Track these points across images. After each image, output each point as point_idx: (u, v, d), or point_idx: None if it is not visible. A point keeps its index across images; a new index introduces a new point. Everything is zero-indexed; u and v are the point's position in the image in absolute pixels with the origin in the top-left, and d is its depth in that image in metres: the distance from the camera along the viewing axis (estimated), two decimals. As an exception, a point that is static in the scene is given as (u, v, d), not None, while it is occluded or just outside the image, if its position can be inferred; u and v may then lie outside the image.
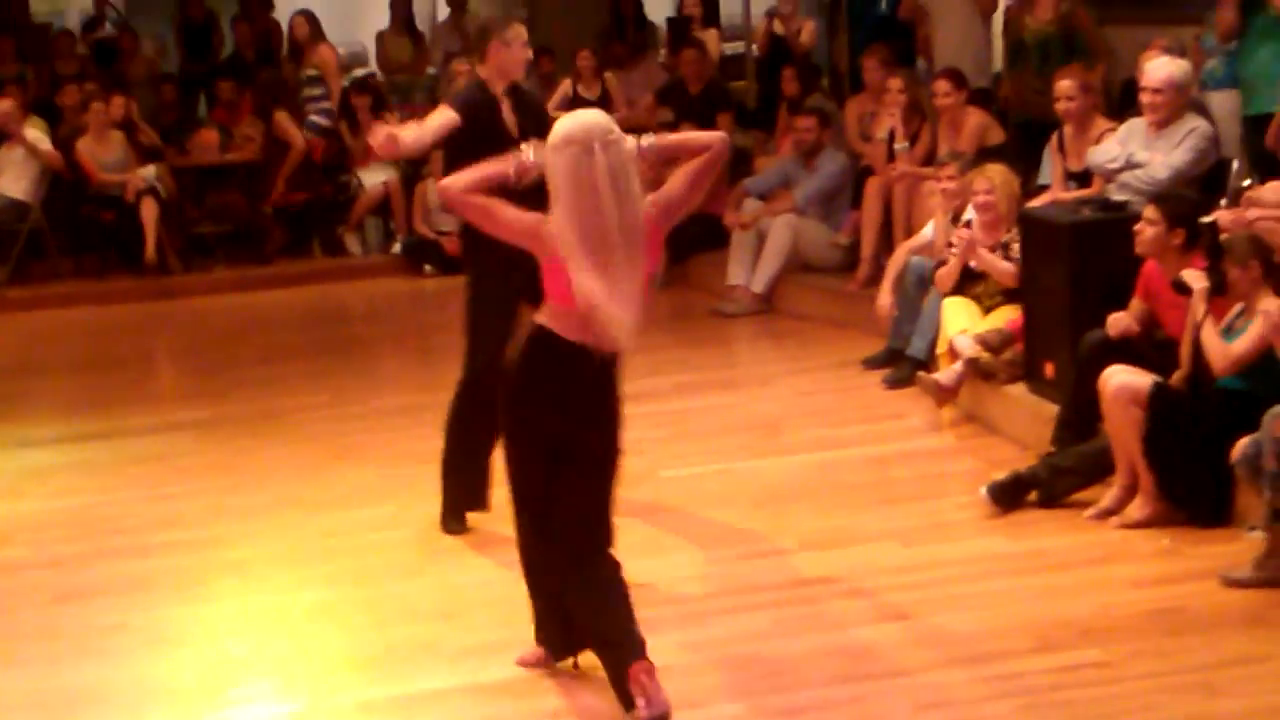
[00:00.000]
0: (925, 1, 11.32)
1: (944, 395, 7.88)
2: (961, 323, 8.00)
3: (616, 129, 4.68)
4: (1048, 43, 9.88)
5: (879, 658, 5.23)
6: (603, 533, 4.92)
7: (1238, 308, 6.08)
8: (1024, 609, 5.56)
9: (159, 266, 13.06)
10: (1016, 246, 7.77)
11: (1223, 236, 6.33)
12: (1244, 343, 5.96)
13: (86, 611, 6.14)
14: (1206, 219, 6.55)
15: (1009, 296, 7.91)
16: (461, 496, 6.58)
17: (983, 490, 6.56)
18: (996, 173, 8.02)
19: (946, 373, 7.95)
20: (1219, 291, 6.08)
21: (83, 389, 10.18)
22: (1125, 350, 6.45)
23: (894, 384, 8.54)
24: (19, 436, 8.83)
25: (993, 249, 7.96)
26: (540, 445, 4.83)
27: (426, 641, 5.62)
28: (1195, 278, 6.17)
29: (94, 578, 6.52)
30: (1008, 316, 7.86)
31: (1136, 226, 6.54)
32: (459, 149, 5.98)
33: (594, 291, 4.58)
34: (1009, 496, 6.51)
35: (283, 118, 13.60)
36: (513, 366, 4.82)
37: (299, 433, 8.50)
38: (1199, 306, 6.11)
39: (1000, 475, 6.63)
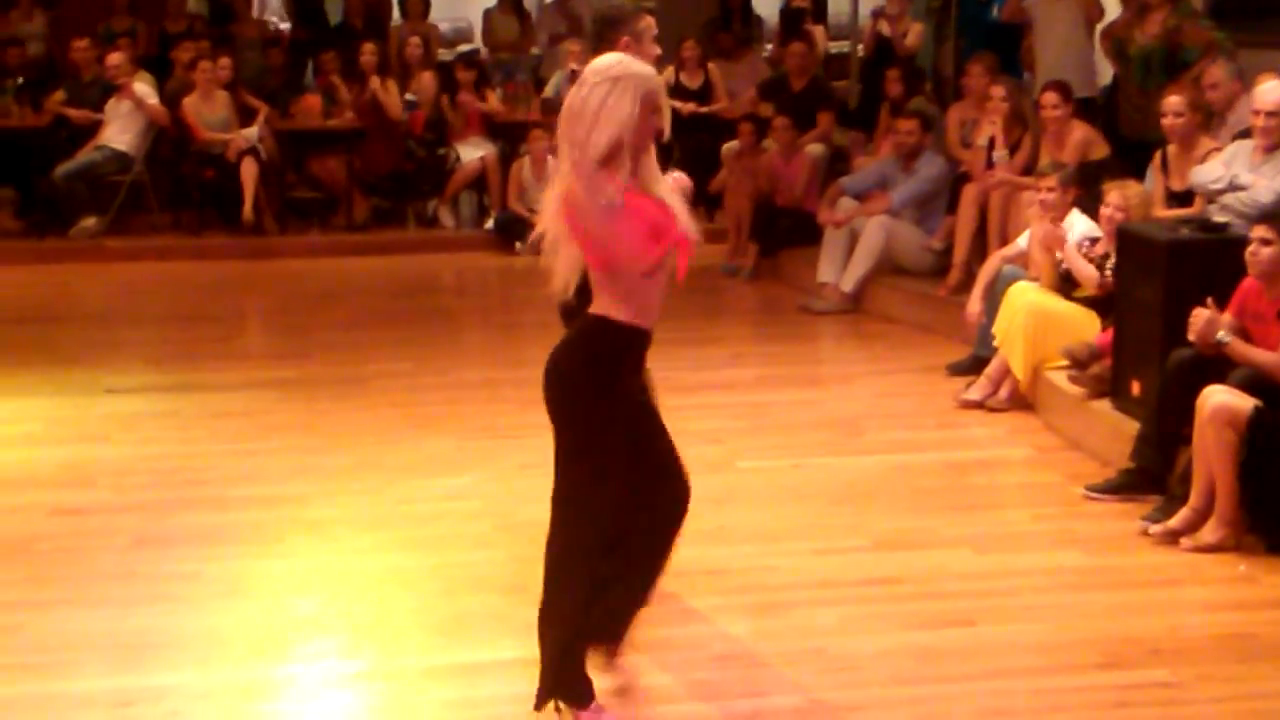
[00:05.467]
0: (1030, 9, 11.24)
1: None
2: (1030, 297, 8.09)
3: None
4: (1150, 58, 9.78)
5: (943, 662, 5.22)
6: None
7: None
8: (1093, 624, 5.53)
9: (255, 227, 13.23)
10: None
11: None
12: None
13: (163, 558, 6.24)
14: None
15: (1093, 306, 7.91)
16: None
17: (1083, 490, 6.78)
18: (1135, 192, 7.92)
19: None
20: None
21: (173, 341, 10.34)
22: (1214, 370, 6.38)
23: (956, 371, 8.72)
24: (107, 383, 8.96)
25: (1096, 260, 7.93)
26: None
27: (495, 612, 5.66)
28: None
29: (172, 526, 6.62)
30: (1093, 330, 7.83)
31: (1250, 248, 6.43)
32: None
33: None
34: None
35: (389, 87, 13.67)
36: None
37: (381, 399, 8.58)
38: None
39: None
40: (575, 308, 4.68)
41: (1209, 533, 6.17)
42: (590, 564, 4.65)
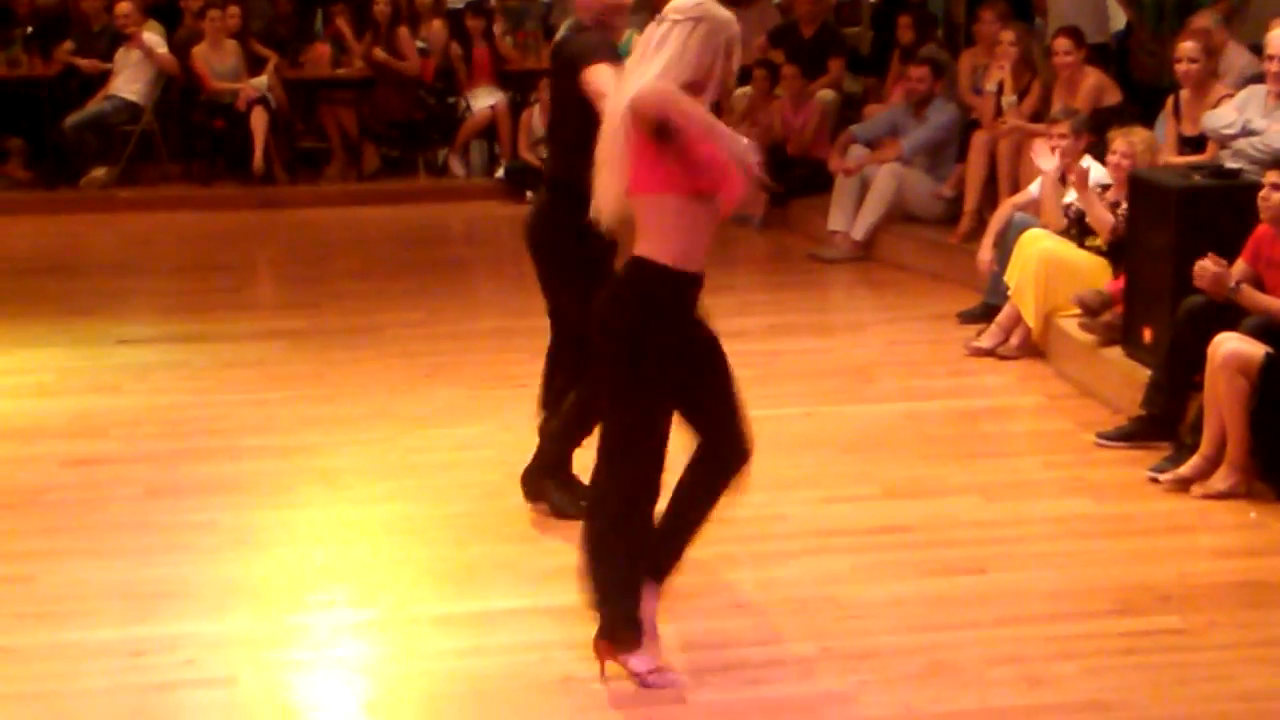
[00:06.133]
0: (1042, -46, 11.18)
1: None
2: (1043, 244, 8.06)
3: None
4: (1163, 3, 9.72)
5: (953, 609, 5.23)
6: None
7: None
8: (1104, 571, 5.53)
9: (265, 176, 13.21)
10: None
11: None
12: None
13: (176, 508, 6.26)
14: None
15: (1104, 254, 7.91)
16: None
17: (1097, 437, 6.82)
18: (1140, 138, 7.88)
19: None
20: None
21: (183, 292, 10.35)
22: (1225, 317, 6.36)
23: (967, 319, 8.72)
24: (119, 334, 8.98)
25: (1108, 206, 7.91)
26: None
27: (505, 561, 5.68)
28: None
29: (184, 476, 6.64)
30: (1104, 278, 7.81)
31: (1262, 193, 6.41)
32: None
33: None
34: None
35: (402, 34, 13.61)
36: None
37: (392, 349, 8.59)
38: None
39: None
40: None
41: (1220, 480, 6.17)
42: (638, 514, 4.64)
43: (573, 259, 5.59)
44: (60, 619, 5.24)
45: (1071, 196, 8.18)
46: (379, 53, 13.42)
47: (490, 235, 12.57)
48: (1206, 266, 6.37)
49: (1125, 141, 7.83)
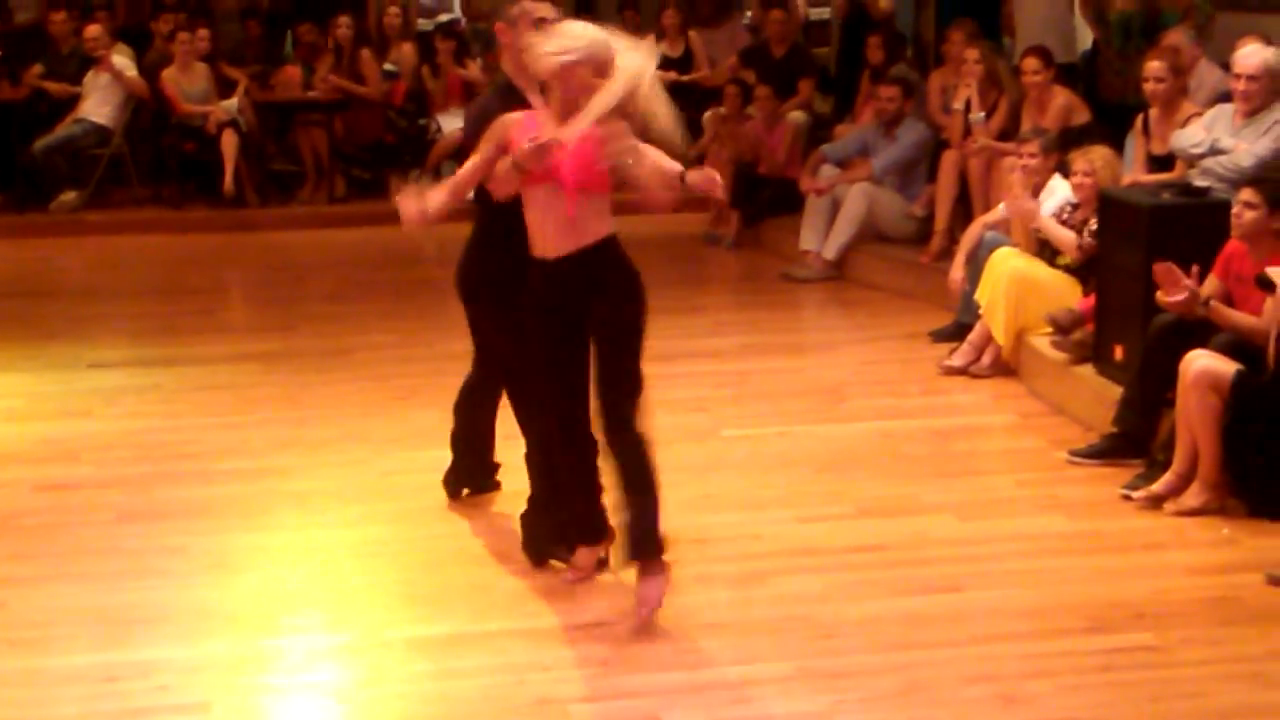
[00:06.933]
0: (1008, -27, 11.24)
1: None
2: (1013, 263, 8.11)
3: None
4: (1129, 22, 9.77)
5: (928, 628, 5.23)
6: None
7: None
8: (1077, 589, 5.55)
9: (236, 199, 13.18)
10: (1094, 224, 7.74)
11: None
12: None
13: (148, 533, 6.23)
14: None
15: (1074, 272, 7.95)
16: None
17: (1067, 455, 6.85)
18: (1099, 155, 7.93)
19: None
20: None
21: (154, 315, 10.30)
22: (1196, 334, 6.39)
23: (940, 338, 8.76)
24: (90, 358, 8.94)
25: (1075, 227, 7.94)
26: None
27: (479, 583, 5.67)
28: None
29: (157, 500, 6.61)
30: (1075, 296, 7.85)
31: (1234, 210, 6.44)
32: None
33: None
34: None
35: (363, 56, 13.61)
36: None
37: (365, 371, 8.57)
38: None
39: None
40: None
41: (1192, 497, 6.19)
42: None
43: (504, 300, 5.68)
44: (32, 645, 5.21)
45: (1047, 210, 8.21)
46: (335, 78, 13.42)
47: (462, 257, 12.52)
48: (1174, 302, 6.38)
49: (1085, 160, 7.91)
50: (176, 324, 9.88)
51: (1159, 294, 6.45)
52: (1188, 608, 5.41)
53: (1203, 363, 6.15)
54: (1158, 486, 6.30)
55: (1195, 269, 6.40)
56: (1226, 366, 6.10)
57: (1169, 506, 6.23)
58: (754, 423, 7.57)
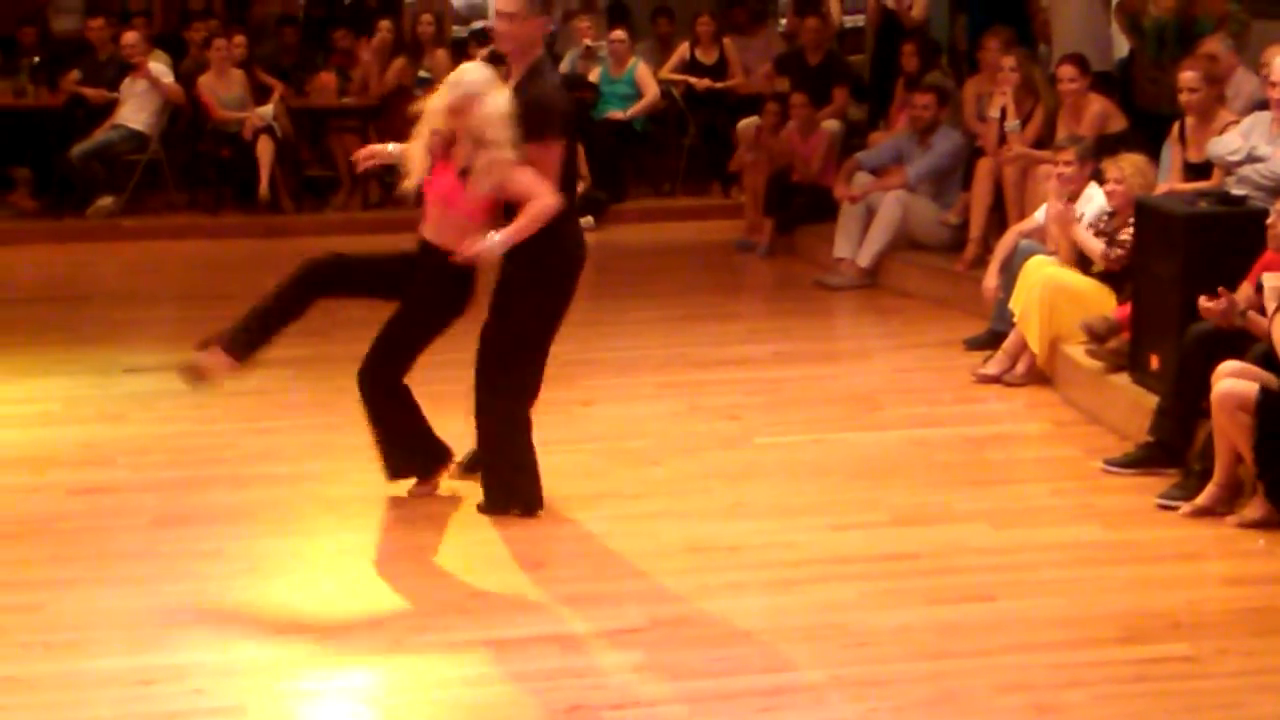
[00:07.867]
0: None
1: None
2: (1047, 271, 8.08)
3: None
4: (1164, 31, 9.74)
5: (962, 637, 5.22)
6: None
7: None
8: (1112, 599, 5.52)
9: (271, 205, 13.23)
10: (1126, 233, 7.72)
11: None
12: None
13: (183, 537, 6.26)
14: None
15: (1109, 280, 7.91)
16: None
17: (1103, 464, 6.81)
18: (1129, 163, 7.92)
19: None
20: None
21: (189, 320, 10.28)
22: (1232, 344, 6.35)
23: (974, 346, 8.71)
24: (125, 362, 8.98)
25: (1109, 235, 7.92)
26: None
27: (514, 590, 5.68)
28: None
29: (192, 504, 6.64)
30: (1109, 304, 7.82)
31: (1270, 220, 6.41)
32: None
33: None
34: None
35: (399, 64, 13.65)
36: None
37: (399, 377, 8.55)
38: None
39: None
40: None
41: (1252, 510, 6.11)
42: None
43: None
44: (68, 648, 5.23)
45: (1085, 219, 8.19)
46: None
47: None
48: (1213, 309, 6.36)
49: (1116, 168, 7.91)
50: (211, 329, 9.88)
51: (1201, 300, 6.42)
52: (1224, 618, 5.38)
53: (1225, 385, 6.06)
54: (1202, 499, 6.25)
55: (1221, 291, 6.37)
56: (1249, 386, 6.01)
57: (1231, 519, 6.14)
58: (787, 430, 7.56)
